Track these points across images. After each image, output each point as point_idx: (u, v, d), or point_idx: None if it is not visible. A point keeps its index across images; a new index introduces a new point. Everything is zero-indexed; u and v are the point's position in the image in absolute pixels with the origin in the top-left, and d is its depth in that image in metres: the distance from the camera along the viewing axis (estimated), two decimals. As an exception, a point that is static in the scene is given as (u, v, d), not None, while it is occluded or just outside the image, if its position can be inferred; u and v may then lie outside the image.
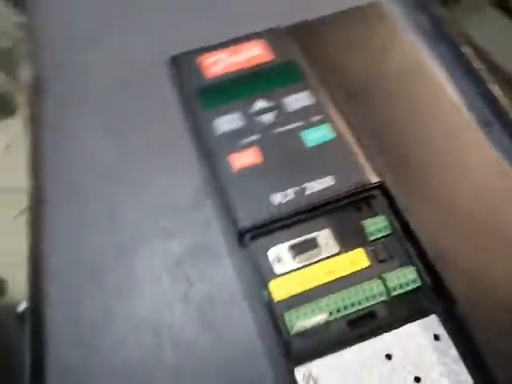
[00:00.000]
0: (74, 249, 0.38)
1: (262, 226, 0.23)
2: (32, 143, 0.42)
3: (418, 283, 0.22)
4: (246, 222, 0.23)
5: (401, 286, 0.22)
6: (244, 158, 0.25)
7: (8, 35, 1.23)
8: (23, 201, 0.39)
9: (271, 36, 0.29)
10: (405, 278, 0.22)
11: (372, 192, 0.24)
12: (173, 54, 0.29)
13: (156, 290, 0.36)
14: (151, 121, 0.43)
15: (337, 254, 0.23)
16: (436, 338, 0.21)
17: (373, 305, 0.22)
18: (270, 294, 0.22)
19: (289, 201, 0.23)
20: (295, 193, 0.24)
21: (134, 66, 0.46)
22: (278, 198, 0.23)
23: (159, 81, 0.32)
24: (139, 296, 0.36)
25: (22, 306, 0.79)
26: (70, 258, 0.37)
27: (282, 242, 0.23)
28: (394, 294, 0.22)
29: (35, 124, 0.43)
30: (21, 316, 0.78)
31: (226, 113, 0.26)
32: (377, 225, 0.23)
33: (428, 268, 0.22)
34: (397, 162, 0.25)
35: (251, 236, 0.23)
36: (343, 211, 0.24)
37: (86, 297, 0.36)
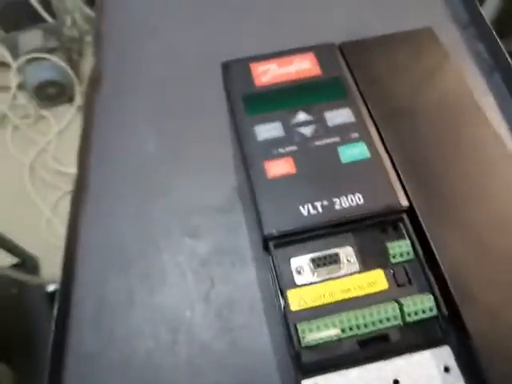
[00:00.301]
0: (108, 236, 0.39)
1: (288, 235, 0.24)
2: (83, 131, 0.44)
3: (435, 312, 0.22)
4: (272, 228, 0.23)
5: (416, 313, 0.21)
6: (279, 167, 0.25)
7: (77, 26, 1.29)
8: (68, 184, 0.41)
9: (322, 51, 0.29)
10: (422, 305, 0.21)
11: (400, 215, 0.24)
12: (225, 60, 0.29)
13: (179, 286, 0.37)
14: (197, 120, 0.44)
15: (357, 273, 0.23)
16: (446, 369, 0.21)
17: (386, 328, 0.22)
18: (286, 302, 0.22)
19: (317, 214, 0.24)
20: (324, 206, 0.24)
21: (188, 65, 0.48)
22: (306, 210, 0.24)
23: (210, 82, 0.33)
24: (162, 290, 0.37)
25: (52, 287, 0.82)
26: (102, 244, 0.39)
27: (305, 254, 0.24)
28: (408, 319, 0.21)
29: (88, 113, 0.46)
30: (50, 296, 0.81)
31: (267, 121, 0.27)
32: (400, 248, 0.23)
33: (447, 298, 0.22)
34: (429, 188, 0.24)
35: (275, 243, 0.24)
36: (369, 230, 0.24)
37: (111, 284, 0.37)
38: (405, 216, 0.24)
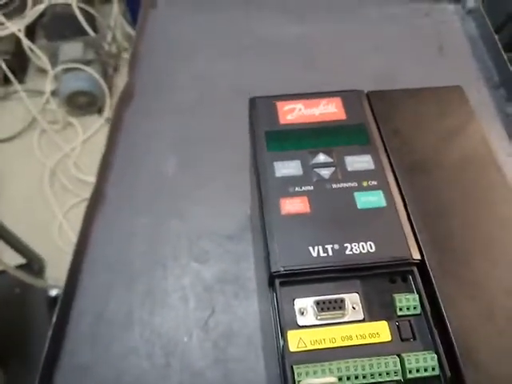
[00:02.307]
0: (116, 250, 0.40)
1: (295, 274, 0.23)
2: (107, 144, 0.45)
3: (437, 372, 0.21)
4: (279, 266, 0.23)
5: (418, 370, 0.21)
6: (293, 205, 0.25)
7: (116, 42, 1.34)
8: (85, 192, 0.42)
9: (349, 97, 0.30)
10: (424, 362, 0.21)
11: (410, 268, 0.24)
12: (253, 96, 0.30)
13: (179, 310, 0.37)
14: (218, 149, 0.45)
15: (361, 321, 0.23)
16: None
17: (385, 382, 0.21)
18: (286, 342, 0.22)
19: (326, 256, 0.24)
20: (334, 250, 0.24)
21: (217, 96, 0.49)
22: (316, 251, 0.24)
23: (235, 115, 0.33)
24: (162, 312, 0.36)
25: (54, 291, 0.82)
26: (109, 258, 0.39)
27: (310, 296, 0.23)
28: (409, 376, 0.21)
29: (115, 128, 0.47)
30: (52, 300, 0.81)
31: (287, 158, 0.27)
32: (408, 302, 0.23)
33: (451, 359, 0.21)
34: (443, 244, 0.24)
35: (281, 281, 0.23)
36: (377, 280, 0.24)
37: (112, 298, 0.37)
38: (415, 269, 0.24)
